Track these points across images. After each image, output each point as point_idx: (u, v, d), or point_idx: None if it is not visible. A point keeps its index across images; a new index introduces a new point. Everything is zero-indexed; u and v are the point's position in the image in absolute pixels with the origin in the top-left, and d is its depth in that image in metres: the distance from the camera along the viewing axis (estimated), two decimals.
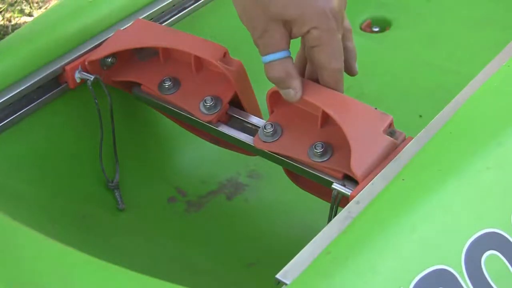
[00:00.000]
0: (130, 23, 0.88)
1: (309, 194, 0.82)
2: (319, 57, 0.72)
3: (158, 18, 0.96)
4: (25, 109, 0.84)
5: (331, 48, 0.72)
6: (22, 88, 0.83)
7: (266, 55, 0.72)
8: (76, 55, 0.86)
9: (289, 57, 0.73)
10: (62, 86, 0.87)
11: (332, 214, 0.72)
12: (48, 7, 1.99)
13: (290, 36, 0.72)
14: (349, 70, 0.78)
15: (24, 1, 2.07)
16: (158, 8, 0.96)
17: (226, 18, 1.06)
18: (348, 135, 0.71)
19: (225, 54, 0.81)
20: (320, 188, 0.78)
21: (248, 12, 0.71)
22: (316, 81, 0.75)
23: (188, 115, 0.82)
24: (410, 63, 1.13)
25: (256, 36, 0.72)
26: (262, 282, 0.69)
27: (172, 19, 0.98)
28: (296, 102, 0.74)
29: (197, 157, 0.97)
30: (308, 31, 0.70)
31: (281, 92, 0.74)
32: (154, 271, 0.62)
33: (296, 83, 0.73)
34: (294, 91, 0.73)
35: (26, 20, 1.98)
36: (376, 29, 1.21)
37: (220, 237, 0.90)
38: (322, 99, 0.74)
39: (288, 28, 0.71)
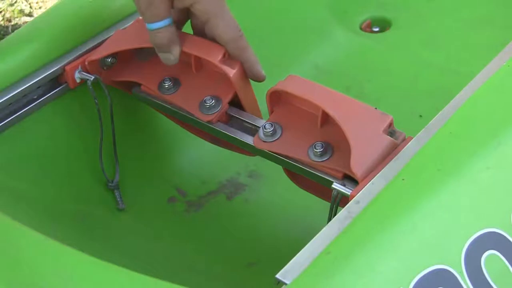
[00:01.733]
0: (130, 23, 0.88)
1: (309, 194, 0.82)
2: (215, 32, 0.79)
3: None
4: (25, 109, 0.85)
5: (222, 18, 0.78)
6: (22, 88, 0.83)
7: (151, 23, 0.79)
8: (76, 55, 0.86)
9: (172, 24, 0.79)
10: (62, 86, 0.87)
11: (332, 214, 0.72)
12: (48, 7, 1.99)
13: (172, 6, 0.79)
14: (256, 77, 0.82)
15: (24, 1, 2.07)
16: None
17: None
18: (348, 135, 0.71)
19: (225, 54, 0.81)
20: (320, 188, 0.78)
21: None
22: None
23: (188, 115, 0.82)
24: (410, 63, 1.13)
25: (143, 7, 0.78)
26: (262, 282, 0.69)
27: None
28: (172, 65, 0.81)
29: (197, 157, 0.97)
30: (191, 5, 0.78)
31: (161, 56, 0.81)
32: (154, 271, 0.62)
33: (177, 49, 0.80)
34: (173, 56, 0.80)
35: (26, 20, 1.98)
36: (376, 29, 1.21)
37: (220, 237, 0.91)
38: (322, 99, 0.74)
39: None
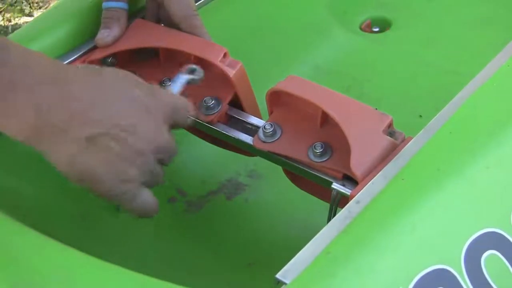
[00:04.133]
0: (130, 23, 0.88)
1: (309, 194, 0.82)
2: (170, 9, 0.84)
3: None
4: None
5: None
6: None
7: (107, 1, 0.85)
8: (76, 55, 0.86)
9: (125, 10, 0.85)
10: None
11: (332, 214, 0.73)
12: (48, 7, 1.99)
13: None
14: None
15: (24, 1, 2.07)
16: None
17: (226, 18, 1.06)
18: (348, 135, 0.71)
19: (225, 55, 0.81)
20: (319, 189, 0.78)
21: None
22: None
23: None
24: (410, 63, 1.13)
25: None
26: (262, 282, 0.69)
27: None
28: (105, 45, 0.84)
29: (197, 157, 0.97)
30: None
31: (100, 32, 0.84)
32: (154, 271, 0.62)
33: (117, 30, 0.84)
34: (110, 35, 0.84)
35: (26, 20, 1.98)
36: (376, 29, 1.21)
37: (220, 237, 0.91)
38: (321, 99, 0.74)
39: None
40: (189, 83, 0.78)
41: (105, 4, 0.85)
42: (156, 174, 0.70)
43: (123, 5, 0.85)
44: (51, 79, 0.63)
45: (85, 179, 0.66)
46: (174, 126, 0.71)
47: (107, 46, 0.84)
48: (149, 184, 0.69)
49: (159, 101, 0.69)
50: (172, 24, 0.85)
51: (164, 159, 0.70)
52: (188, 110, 0.73)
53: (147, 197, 0.69)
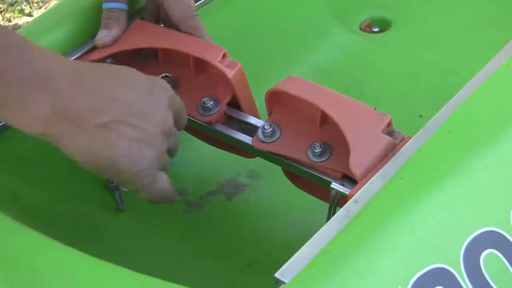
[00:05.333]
0: (130, 24, 0.88)
1: (308, 194, 0.82)
2: (169, 10, 0.84)
3: None
4: None
5: None
6: None
7: (107, 2, 0.85)
8: (75, 55, 0.86)
9: (125, 11, 0.85)
10: None
11: (331, 213, 0.73)
12: (48, 7, 1.99)
13: None
14: None
15: (24, 1, 2.07)
16: None
17: (226, 19, 1.06)
18: (347, 135, 0.71)
19: (224, 55, 0.81)
20: (319, 189, 0.78)
21: None
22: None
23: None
24: (410, 63, 1.13)
25: None
26: (262, 282, 0.69)
27: None
28: (104, 45, 0.84)
29: (197, 157, 0.97)
30: None
31: (100, 32, 0.84)
32: (154, 271, 0.62)
33: (116, 31, 0.84)
34: (110, 35, 0.84)
35: (26, 20, 1.98)
36: (376, 29, 1.21)
37: (220, 237, 0.90)
38: (321, 99, 0.74)
39: None
40: None
41: (105, 5, 0.86)
42: (167, 162, 0.71)
43: (123, 6, 0.86)
44: (64, 71, 0.65)
45: (104, 166, 0.67)
46: (173, 117, 0.72)
47: (106, 46, 0.84)
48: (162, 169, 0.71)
49: (164, 88, 0.72)
50: (171, 24, 0.86)
51: (170, 148, 0.71)
52: (183, 106, 0.75)
53: (165, 180, 0.70)
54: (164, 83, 0.73)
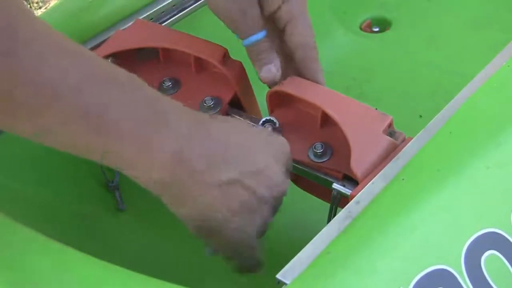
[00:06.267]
0: (130, 23, 0.88)
1: (309, 194, 0.82)
2: (293, 32, 0.75)
3: (158, 18, 0.96)
4: None
5: (302, 21, 0.75)
6: None
7: (248, 37, 0.75)
8: None
9: (267, 36, 0.75)
10: None
11: (332, 214, 0.73)
12: (48, 7, 1.99)
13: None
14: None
15: (24, 1, 2.07)
16: (158, 8, 0.96)
17: None
18: (348, 135, 0.71)
19: (225, 55, 0.81)
20: (321, 189, 0.78)
21: (226, 1, 0.74)
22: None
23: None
24: (410, 63, 1.13)
25: (237, 19, 0.74)
26: (262, 282, 0.69)
27: (172, 19, 0.98)
28: (275, 82, 0.75)
29: None
30: (279, 7, 0.73)
31: (263, 69, 0.75)
32: (154, 271, 0.62)
33: (277, 59, 0.75)
34: (275, 67, 0.75)
35: None
36: (376, 29, 1.21)
37: None
38: (322, 99, 0.74)
39: (261, 7, 0.74)
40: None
41: (249, 40, 0.75)
42: (269, 225, 0.66)
43: (265, 32, 0.75)
44: (188, 121, 0.60)
45: (213, 229, 0.61)
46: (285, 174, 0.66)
47: (275, 81, 0.76)
48: (259, 236, 0.65)
49: (281, 145, 0.67)
50: (286, 51, 0.78)
51: (277, 208, 0.66)
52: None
53: (260, 250, 0.65)
54: (283, 140, 0.67)
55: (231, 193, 0.60)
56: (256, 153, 0.63)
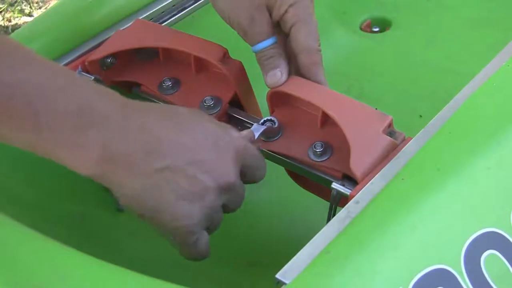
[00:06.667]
0: (130, 23, 0.88)
1: (308, 194, 0.82)
2: (297, 36, 0.75)
3: (158, 18, 0.96)
4: None
5: (308, 24, 0.75)
6: None
7: (257, 43, 0.75)
8: (76, 55, 0.86)
9: (278, 42, 0.76)
10: None
11: (332, 213, 0.73)
12: (48, 7, 1.99)
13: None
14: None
15: (24, 1, 2.07)
16: (158, 8, 0.96)
17: None
18: (348, 135, 0.71)
19: (225, 55, 0.81)
20: (322, 188, 0.78)
21: (234, 7, 0.74)
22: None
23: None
24: (410, 63, 1.13)
25: (245, 25, 0.74)
26: (262, 282, 0.69)
27: (172, 19, 0.98)
28: (280, 85, 0.76)
29: None
30: (286, 11, 0.73)
31: (269, 74, 0.75)
32: (154, 271, 0.62)
33: (285, 64, 0.76)
34: (281, 72, 0.75)
35: (26, 20, 1.99)
36: (376, 29, 1.21)
37: (220, 237, 0.90)
38: (322, 99, 0.74)
39: (269, 13, 0.75)
40: (265, 131, 0.76)
41: (258, 46, 0.76)
42: (217, 219, 0.66)
43: (275, 39, 0.76)
44: (121, 112, 0.61)
45: (149, 214, 0.63)
46: (242, 171, 0.67)
47: (280, 84, 0.76)
48: (208, 229, 0.66)
49: (232, 139, 0.66)
50: (291, 54, 0.77)
51: (228, 205, 0.66)
52: (258, 159, 0.69)
53: (205, 243, 0.66)
54: (235, 133, 0.67)
55: (167, 180, 0.61)
56: (197, 143, 0.63)
